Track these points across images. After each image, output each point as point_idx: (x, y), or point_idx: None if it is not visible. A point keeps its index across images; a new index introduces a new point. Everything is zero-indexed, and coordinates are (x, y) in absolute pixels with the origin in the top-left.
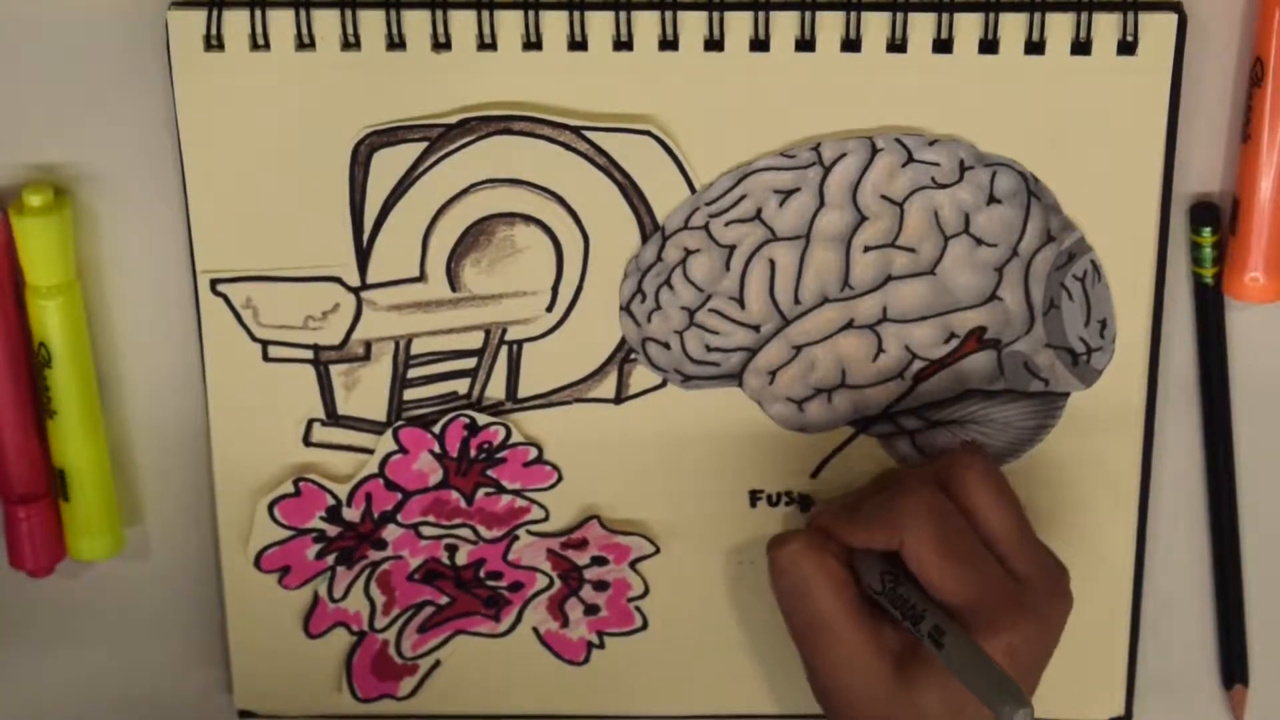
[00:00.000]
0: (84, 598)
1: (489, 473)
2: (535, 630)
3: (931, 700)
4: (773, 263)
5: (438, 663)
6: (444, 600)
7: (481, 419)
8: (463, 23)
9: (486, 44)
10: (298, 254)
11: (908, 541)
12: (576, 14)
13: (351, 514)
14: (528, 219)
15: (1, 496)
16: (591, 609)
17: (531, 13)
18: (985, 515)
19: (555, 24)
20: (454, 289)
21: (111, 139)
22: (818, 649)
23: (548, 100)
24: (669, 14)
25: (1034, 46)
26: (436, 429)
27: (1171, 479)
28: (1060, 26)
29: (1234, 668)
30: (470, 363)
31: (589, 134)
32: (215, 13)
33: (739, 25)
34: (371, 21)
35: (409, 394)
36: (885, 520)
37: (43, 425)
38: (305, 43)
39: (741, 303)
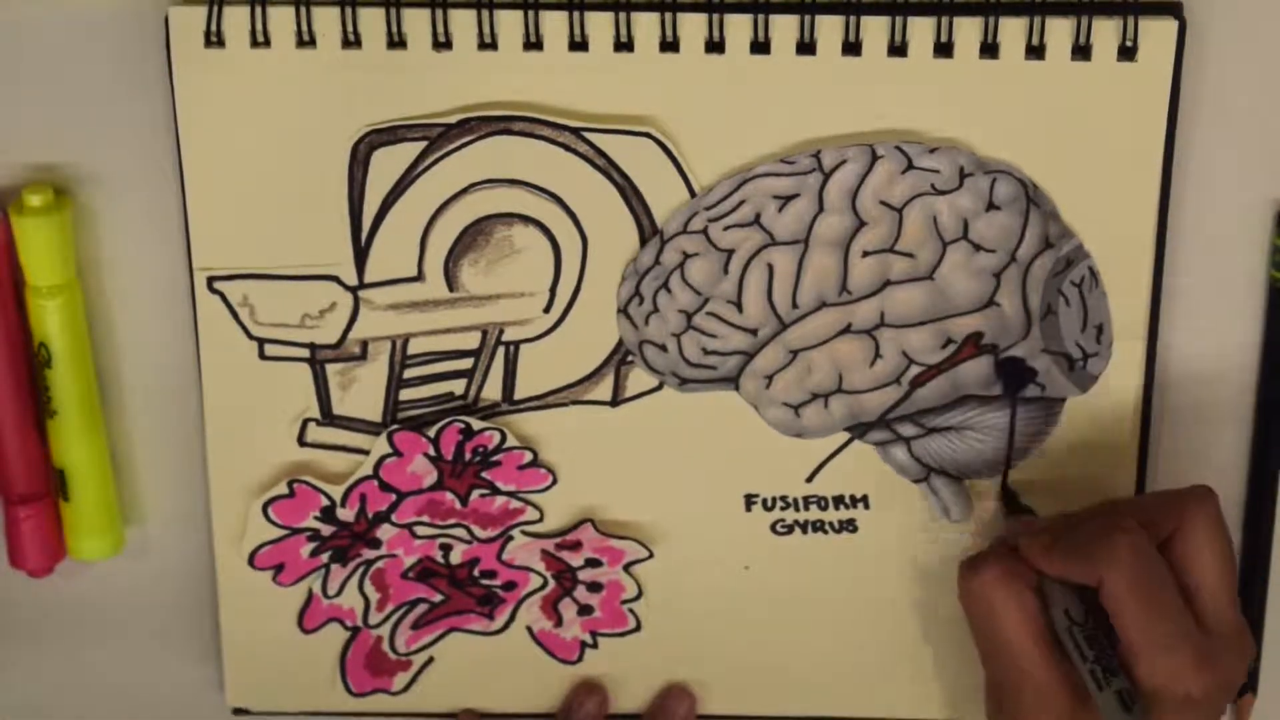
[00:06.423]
0: (84, 598)
1: (484, 475)
2: (529, 629)
3: None
4: (771, 267)
5: (431, 659)
6: (438, 598)
7: (477, 423)
8: (463, 22)
9: (487, 43)
10: (295, 252)
11: (1108, 581)
12: (577, 14)
13: (346, 514)
14: (526, 220)
15: (2, 496)
16: (585, 609)
17: (532, 12)
18: (1201, 563)
19: (555, 24)
20: (451, 289)
21: (111, 138)
22: (1002, 672)
23: (548, 100)
24: (669, 15)
25: (1034, 50)
26: (432, 432)
27: (1171, 482)
28: (1060, 31)
29: None
30: (467, 363)
31: (589, 135)
32: (216, 9)
33: (739, 27)
34: (372, 20)
35: (405, 394)
36: (1088, 556)
37: (43, 425)
38: (305, 40)
39: (739, 306)
